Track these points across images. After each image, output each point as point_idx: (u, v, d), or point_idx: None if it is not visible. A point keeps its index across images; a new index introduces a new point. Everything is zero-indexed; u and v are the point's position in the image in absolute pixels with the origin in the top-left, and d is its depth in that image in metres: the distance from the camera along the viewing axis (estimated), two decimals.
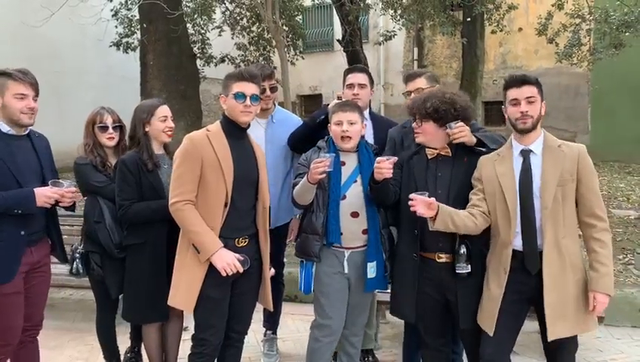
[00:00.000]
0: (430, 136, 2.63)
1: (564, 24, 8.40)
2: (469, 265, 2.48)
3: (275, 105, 3.54)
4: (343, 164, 2.83)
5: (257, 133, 3.32)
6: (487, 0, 8.30)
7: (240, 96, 2.58)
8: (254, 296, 2.81)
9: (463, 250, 2.47)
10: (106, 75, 11.54)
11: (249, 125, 2.73)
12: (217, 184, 2.54)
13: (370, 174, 2.64)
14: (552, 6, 8.33)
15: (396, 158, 2.57)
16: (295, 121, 3.60)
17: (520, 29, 10.64)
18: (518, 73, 2.59)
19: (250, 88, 2.61)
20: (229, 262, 2.49)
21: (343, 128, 2.79)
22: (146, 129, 2.94)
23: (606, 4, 8.07)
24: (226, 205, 2.56)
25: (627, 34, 7.83)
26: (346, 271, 2.82)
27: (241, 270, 2.52)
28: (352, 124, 2.80)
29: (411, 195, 2.37)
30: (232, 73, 2.70)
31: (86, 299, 4.71)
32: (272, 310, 2.95)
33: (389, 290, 2.91)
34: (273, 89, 3.42)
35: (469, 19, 8.94)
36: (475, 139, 2.62)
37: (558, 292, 2.36)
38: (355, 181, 2.82)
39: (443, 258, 2.56)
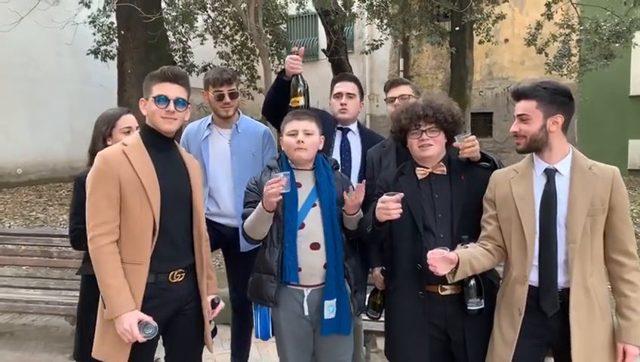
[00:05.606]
0: (441, 148, 2.31)
1: (554, 34, 8.29)
2: (482, 300, 2.15)
3: (239, 113, 3.21)
4: (299, 185, 2.37)
5: (221, 145, 3.05)
6: (476, 10, 8.17)
7: (161, 99, 2.15)
8: (199, 339, 2.38)
9: (472, 281, 2.14)
10: (82, 83, 11.20)
11: (176, 134, 2.30)
12: (141, 207, 2.10)
13: (372, 214, 2.23)
14: (542, 16, 8.20)
15: (402, 195, 2.17)
16: (261, 129, 3.25)
17: (506, 40, 10.57)
18: (524, 83, 2.15)
19: (173, 90, 2.17)
20: (126, 328, 2.04)
21: (297, 138, 2.34)
22: (108, 143, 2.58)
23: (596, 15, 7.96)
24: (154, 232, 2.13)
25: (617, 45, 7.73)
26: (306, 313, 2.37)
27: (140, 340, 2.07)
28: (308, 134, 2.36)
29: (429, 253, 2.03)
30: (153, 73, 2.25)
31: (49, 325, 4.31)
32: (212, 352, 2.51)
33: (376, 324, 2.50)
34: (233, 95, 3.06)
35: (457, 28, 8.79)
36: (479, 154, 2.35)
37: (587, 341, 2.02)
38: (314, 205, 2.36)
39: (447, 289, 2.21)
